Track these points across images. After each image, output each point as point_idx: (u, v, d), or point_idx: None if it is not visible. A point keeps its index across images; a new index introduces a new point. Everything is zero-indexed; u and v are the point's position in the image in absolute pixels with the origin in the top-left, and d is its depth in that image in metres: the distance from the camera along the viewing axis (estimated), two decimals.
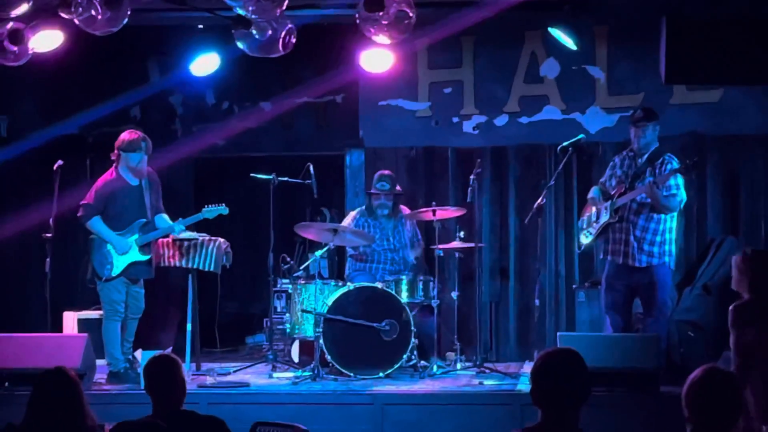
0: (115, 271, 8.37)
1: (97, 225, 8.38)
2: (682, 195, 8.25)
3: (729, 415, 3.65)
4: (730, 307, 6.24)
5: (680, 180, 8.22)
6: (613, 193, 8.40)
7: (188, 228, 8.72)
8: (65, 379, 4.45)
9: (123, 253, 8.35)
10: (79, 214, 8.40)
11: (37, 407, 4.39)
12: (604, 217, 8.39)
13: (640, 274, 8.28)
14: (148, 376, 4.92)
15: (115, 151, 8.43)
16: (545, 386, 3.73)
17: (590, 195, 8.65)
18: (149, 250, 8.55)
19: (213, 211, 8.68)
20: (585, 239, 8.66)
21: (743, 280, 6.33)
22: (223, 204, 8.71)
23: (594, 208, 8.57)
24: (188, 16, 8.84)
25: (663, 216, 8.26)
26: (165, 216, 8.64)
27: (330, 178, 10.86)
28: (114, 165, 8.48)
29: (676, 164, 8.19)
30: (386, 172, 9.44)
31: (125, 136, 8.46)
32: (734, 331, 6.16)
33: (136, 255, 8.43)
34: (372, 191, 9.40)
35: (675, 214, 8.34)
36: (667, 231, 8.29)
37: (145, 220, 8.50)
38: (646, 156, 8.33)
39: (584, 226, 8.66)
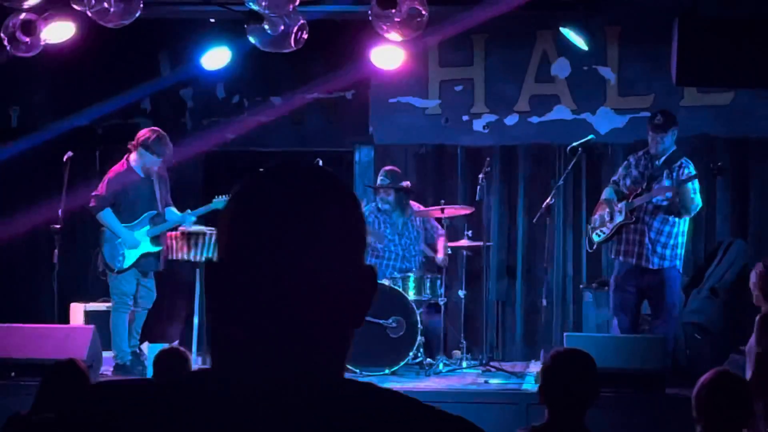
0: (127, 263, 8.36)
1: (107, 217, 8.37)
2: (698, 200, 8.24)
3: (738, 417, 3.66)
4: (757, 317, 6.19)
5: (697, 185, 8.22)
6: (628, 193, 8.38)
7: (197, 221, 8.72)
8: (76, 371, 4.46)
9: (131, 247, 8.35)
10: (90, 205, 8.38)
11: (45, 397, 4.40)
12: (619, 218, 8.36)
13: (651, 276, 8.27)
14: (158, 368, 4.92)
15: (135, 144, 8.38)
16: (554, 386, 3.74)
17: (604, 196, 8.61)
18: (160, 242, 8.56)
19: (224, 201, 8.66)
20: (597, 239, 8.62)
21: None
22: None
23: (607, 208, 8.53)
24: (200, 9, 8.85)
25: (677, 219, 8.25)
26: (174, 209, 8.64)
27: (339, 174, 10.78)
28: (126, 156, 8.46)
29: (692, 168, 8.20)
30: (388, 167, 9.42)
31: (151, 135, 8.31)
32: (765, 340, 6.08)
33: (147, 246, 8.42)
34: (373, 186, 9.41)
35: (688, 218, 8.34)
36: (680, 234, 8.29)
37: (155, 212, 8.50)
38: (663, 159, 8.30)
39: (596, 225, 8.61)
